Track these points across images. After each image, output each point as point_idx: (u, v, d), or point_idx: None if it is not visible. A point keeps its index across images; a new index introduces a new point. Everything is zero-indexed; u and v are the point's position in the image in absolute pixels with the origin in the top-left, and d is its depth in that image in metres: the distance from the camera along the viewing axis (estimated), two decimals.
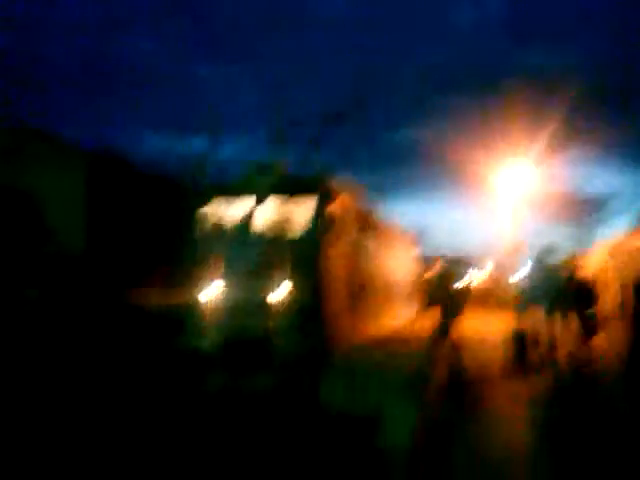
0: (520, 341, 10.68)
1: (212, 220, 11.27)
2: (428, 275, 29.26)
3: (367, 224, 13.58)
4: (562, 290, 10.14)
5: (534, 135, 20.97)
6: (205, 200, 11.28)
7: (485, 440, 5.98)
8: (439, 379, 8.66)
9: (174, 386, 8.67)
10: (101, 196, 12.23)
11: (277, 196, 10.91)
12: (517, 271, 25.73)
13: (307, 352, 9.13)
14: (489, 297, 52.44)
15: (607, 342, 10.82)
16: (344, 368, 7.86)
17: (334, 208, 10.74)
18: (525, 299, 11.21)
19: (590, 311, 10.20)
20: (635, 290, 10.76)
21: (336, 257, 10.67)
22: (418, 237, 24.66)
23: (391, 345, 11.76)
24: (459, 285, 17.74)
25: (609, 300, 11.02)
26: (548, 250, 11.00)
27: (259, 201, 10.73)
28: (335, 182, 11.85)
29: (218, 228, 11.13)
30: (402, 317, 19.35)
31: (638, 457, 5.67)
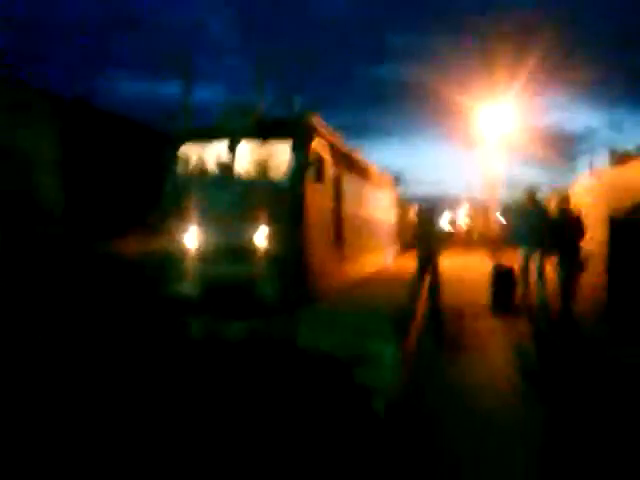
0: (501, 277, 10.74)
1: (190, 164, 11.03)
2: (409, 215, 29.43)
3: (348, 165, 13.42)
4: (545, 228, 10.09)
5: (515, 74, 20.72)
6: (182, 144, 11.01)
7: (465, 378, 6.08)
8: (420, 318, 8.75)
9: (155, 333, 8.68)
10: (74, 143, 11.86)
11: (255, 138, 10.67)
12: (498, 210, 25.88)
13: (287, 296, 9.14)
14: (470, 236, 52.96)
15: (592, 278, 10.81)
16: (325, 311, 7.89)
17: (315, 148, 10.54)
18: (509, 238, 11.22)
19: (574, 247, 10.04)
20: (610, 225, 10.69)
21: (317, 199, 10.56)
22: (400, 177, 24.54)
23: (373, 286, 11.84)
24: (440, 225, 17.81)
25: (592, 236, 10.90)
26: (531, 189, 10.93)
27: (237, 143, 10.48)
28: (315, 122, 11.60)
29: (196, 172, 10.91)
30: (384, 258, 19.48)
31: (617, 393, 5.81)
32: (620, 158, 14.28)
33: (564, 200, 10.51)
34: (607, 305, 10.06)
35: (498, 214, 29.22)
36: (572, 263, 9.78)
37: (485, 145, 23.61)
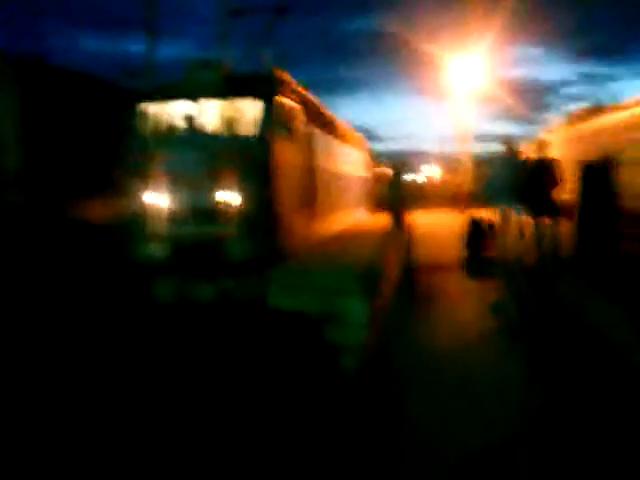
0: (476, 228, 10.78)
1: (154, 123, 10.67)
2: (381, 173, 29.33)
3: (318, 121, 13.16)
4: (525, 179, 10.00)
5: (485, 24, 20.44)
6: (145, 102, 10.63)
7: (437, 336, 6.07)
8: (391, 273, 8.72)
9: (122, 296, 8.53)
10: (34, 104, 11.39)
11: (222, 95, 10.35)
12: (470, 165, 25.84)
13: (257, 255, 9.02)
14: (442, 192, 53.16)
15: (566, 228, 10.81)
16: (295, 269, 7.80)
17: (283, 105, 10.28)
18: (484, 194, 11.21)
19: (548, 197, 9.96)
20: (582, 174, 10.70)
21: (287, 158, 10.35)
22: (371, 134, 24.31)
23: (344, 243, 11.76)
24: (411, 182, 17.74)
25: (567, 186, 10.85)
26: (509, 140, 10.86)
27: (203, 101, 10.16)
28: (284, 77, 11.29)
29: (161, 131, 10.57)
30: (356, 216, 19.40)
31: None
32: (591, 110, 14.24)
33: (542, 147, 10.38)
34: (575, 254, 10.15)
35: (473, 169, 29.23)
36: (550, 211, 9.78)
37: (456, 98, 23.44)
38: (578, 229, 10.51)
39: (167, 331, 7.46)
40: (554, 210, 9.88)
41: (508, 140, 10.91)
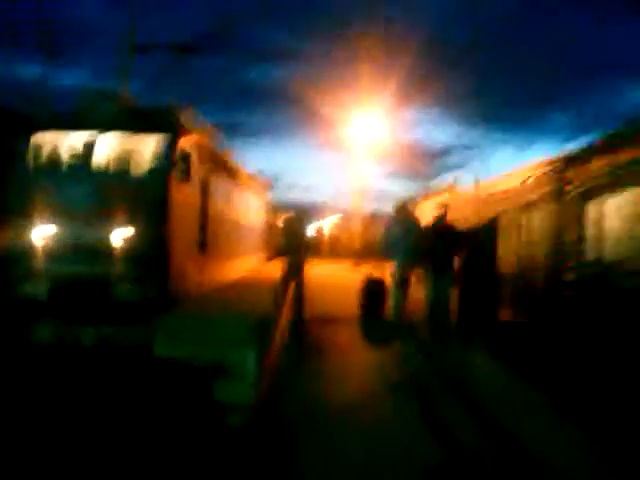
0: (372, 288, 10.79)
1: (45, 153, 10.08)
2: (279, 222, 29.42)
3: (218, 165, 13.01)
4: (417, 240, 10.09)
5: (383, 86, 21.46)
6: (38, 131, 10.05)
7: (328, 390, 5.95)
8: (284, 324, 8.59)
9: (1, 336, 7.81)
10: None
11: (120, 129, 9.98)
12: (364, 221, 26.55)
13: (144, 300, 8.60)
14: (336, 245, 54.12)
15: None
16: (184, 316, 7.47)
17: (183, 145, 10.05)
18: (382, 250, 11.24)
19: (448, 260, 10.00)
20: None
21: (183, 200, 10.07)
22: (271, 182, 24.47)
23: (238, 291, 11.53)
24: (307, 233, 17.87)
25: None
26: (402, 200, 11.18)
27: (99, 133, 9.74)
28: (185, 117, 11.09)
29: (52, 162, 9.98)
30: (252, 264, 19.21)
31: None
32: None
33: (442, 208, 10.26)
34: (458, 317, 10.34)
35: (367, 224, 30.05)
36: (445, 276, 9.70)
37: (354, 153, 24.21)
38: (460, 293, 10.72)
39: (38, 375, 6.84)
40: (451, 272, 9.98)
41: (401, 200, 11.24)
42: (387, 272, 10.55)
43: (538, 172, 9.74)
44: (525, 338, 8.72)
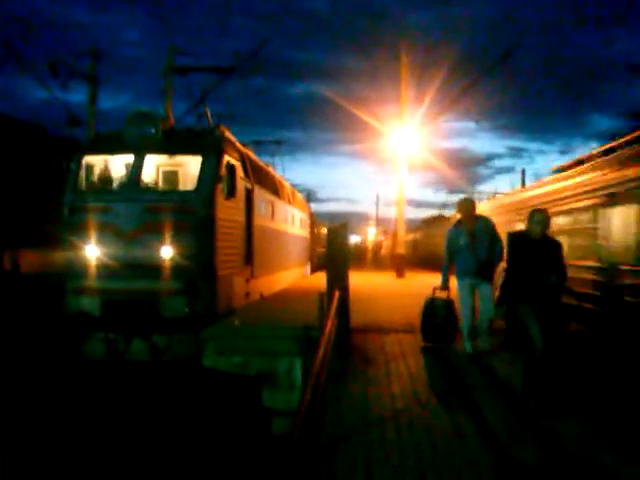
0: (432, 311, 8.10)
1: (96, 174, 10.52)
2: (322, 233, 29.59)
3: (260, 179, 13.28)
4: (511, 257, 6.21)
5: (421, 99, 21.44)
6: (86, 153, 10.47)
7: (373, 400, 5.97)
8: (329, 334, 8.66)
9: (52, 352, 8.13)
10: None
11: (163, 148, 10.32)
12: (405, 230, 26.46)
13: (193, 314, 8.82)
14: (379, 255, 53.96)
15: None
16: (232, 328, 7.65)
17: (225, 162, 10.31)
18: (446, 264, 8.29)
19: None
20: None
21: (228, 215, 10.32)
22: (313, 194, 24.70)
23: (283, 302, 11.69)
24: (350, 243, 17.92)
25: None
26: (472, 201, 8.79)
27: (145, 154, 10.07)
28: (227, 135, 11.39)
29: (102, 183, 10.41)
30: (297, 275, 19.41)
31: None
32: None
33: (541, 217, 6.02)
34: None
35: (407, 233, 29.91)
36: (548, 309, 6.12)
37: (393, 164, 24.21)
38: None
39: (93, 389, 7.11)
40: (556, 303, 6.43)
41: (468, 199, 8.35)
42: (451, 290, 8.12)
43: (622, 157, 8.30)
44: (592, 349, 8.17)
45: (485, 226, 7.84)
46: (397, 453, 4.54)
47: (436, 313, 8.33)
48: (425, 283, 11.38)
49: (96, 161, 10.49)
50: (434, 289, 8.41)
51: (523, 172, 29.68)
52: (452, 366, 7.44)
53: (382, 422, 5.14)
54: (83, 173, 10.26)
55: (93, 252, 9.31)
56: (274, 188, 15.40)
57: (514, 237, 6.36)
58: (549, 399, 5.72)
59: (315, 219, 29.21)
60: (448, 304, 8.36)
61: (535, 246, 5.97)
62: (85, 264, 9.31)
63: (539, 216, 5.98)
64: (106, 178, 10.44)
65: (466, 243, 7.75)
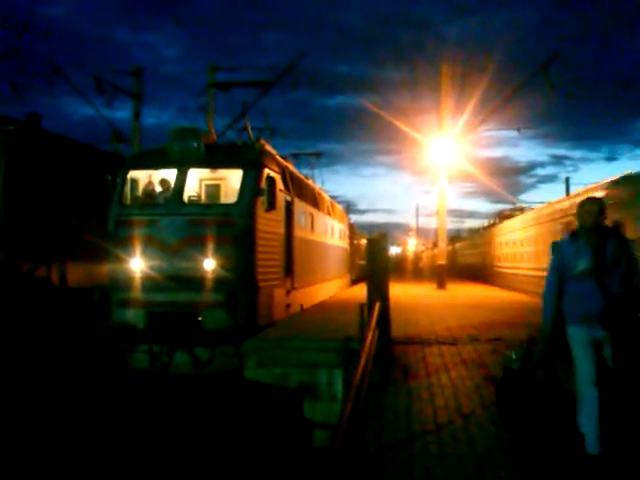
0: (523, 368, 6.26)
1: (140, 189, 10.78)
2: (362, 244, 29.54)
3: (299, 192, 13.36)
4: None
5: (464, 105, 21.20)
6: (130, 169, 10.74)
7: (414, 407, 5.92)
8: (370, 345, 8.62)
9: (96, 363, 8.31)
10: (21, 166, 11.43)
11: (205, 162, 10.51)
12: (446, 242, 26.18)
13: (234, 326, 8.90)
14: (419, 266, 53.51)
15: None
16: (272, 340, 7.69)
17: (267, 176, 10.43)
18: (549, 295, 6.12)
19: None
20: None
21: (269, 227, 10.42)
22: (351, 205, 24.75)
23: (323, 314, 11.69)
24: (390, 254, 17.82)
25: None
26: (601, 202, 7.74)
27: (187, 169, 10.26)
28: (266, 148, 11.53)
29: (146, 197, 10.66)
30: (337, 286, 19.42)
31: None
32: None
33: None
34: None
35: (448, 244, 29.58)
36: None
37: (433, 174, 24.04)
38: None
39: (137, 401, 7.23)
40: None
41: (595, 200, 5.17)
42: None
43: None
44: None
45: (620, 242, 4.73)
46: (441, 467, 4.49)
47: (531, 376, 5.00)
48: (470, 296, 11.10)
49: (141, 175, 10.75)
50: (532, 336, 5.10)
51: (567, 180, 29.02)
52: (496, 378, 7.28)
53: (424, 434, 5.08)
54: (128, 187, 10.53)
55: (137, 265, 9.51)
56: (313, 200, 15.47)
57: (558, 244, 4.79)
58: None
59: (354, 230, 29.19)
60: (546, 360, 4.94)
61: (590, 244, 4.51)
62: (129, 276, 9.52)
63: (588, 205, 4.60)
64: (150, 192, 10.68)
65: (588, 267, 4.60)
